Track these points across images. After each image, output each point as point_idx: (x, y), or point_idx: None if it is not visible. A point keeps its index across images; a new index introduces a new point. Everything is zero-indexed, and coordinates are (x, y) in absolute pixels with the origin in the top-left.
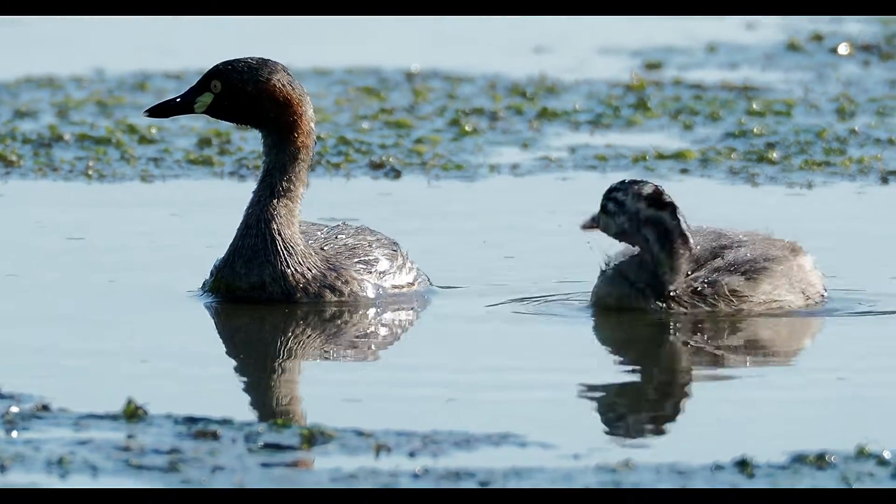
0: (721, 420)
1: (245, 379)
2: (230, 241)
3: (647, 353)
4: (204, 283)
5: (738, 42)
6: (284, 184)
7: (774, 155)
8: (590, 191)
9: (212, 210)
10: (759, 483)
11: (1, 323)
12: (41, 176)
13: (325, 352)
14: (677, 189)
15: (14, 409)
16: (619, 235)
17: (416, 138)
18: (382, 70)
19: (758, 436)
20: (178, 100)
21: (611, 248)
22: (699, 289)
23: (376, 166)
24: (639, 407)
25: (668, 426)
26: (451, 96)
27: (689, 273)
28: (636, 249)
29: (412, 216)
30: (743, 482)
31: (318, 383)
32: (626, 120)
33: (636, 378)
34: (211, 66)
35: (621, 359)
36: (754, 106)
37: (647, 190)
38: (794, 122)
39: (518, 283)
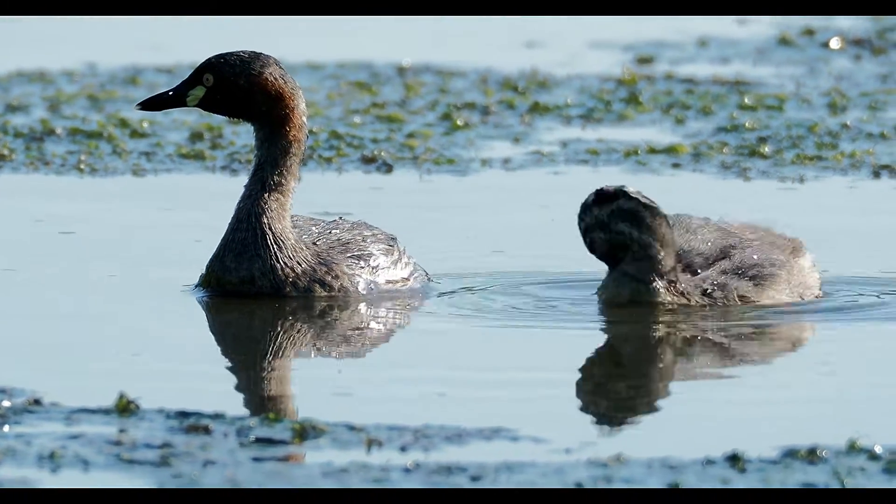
0: (712, 415)
1: (237, 373)
2: (222, 235)
3: (639, 348)
4: (199, 278)
5: (730, 36)
6: (276, 178)
7: (766, 149)
8: (581, 185)
9: (204, 204)
10: (751, 478)
11: None
12: (33, 170)
13: (317, 346)
14: (669, 184)
15: (6, 404)
16: (612, 251)
17: (407, 133)
18: (374, 64)
19: (749, 430)
20: (170, 93)
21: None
22: (709, 290)
23: (368, 160)
24: (630, 402)
25: (659, 421)
26: (443, 91)
27: (698, 271)
28: None
29: (404, 210)
30: (734, 477)
31: (309, 378)
32: (618, 114)
33: (628, 373)
34: (203, 60)
35: (613, 354)
36: (746, 100)
37: (591, 198)
38: (786, 117)
39: (509, 277)
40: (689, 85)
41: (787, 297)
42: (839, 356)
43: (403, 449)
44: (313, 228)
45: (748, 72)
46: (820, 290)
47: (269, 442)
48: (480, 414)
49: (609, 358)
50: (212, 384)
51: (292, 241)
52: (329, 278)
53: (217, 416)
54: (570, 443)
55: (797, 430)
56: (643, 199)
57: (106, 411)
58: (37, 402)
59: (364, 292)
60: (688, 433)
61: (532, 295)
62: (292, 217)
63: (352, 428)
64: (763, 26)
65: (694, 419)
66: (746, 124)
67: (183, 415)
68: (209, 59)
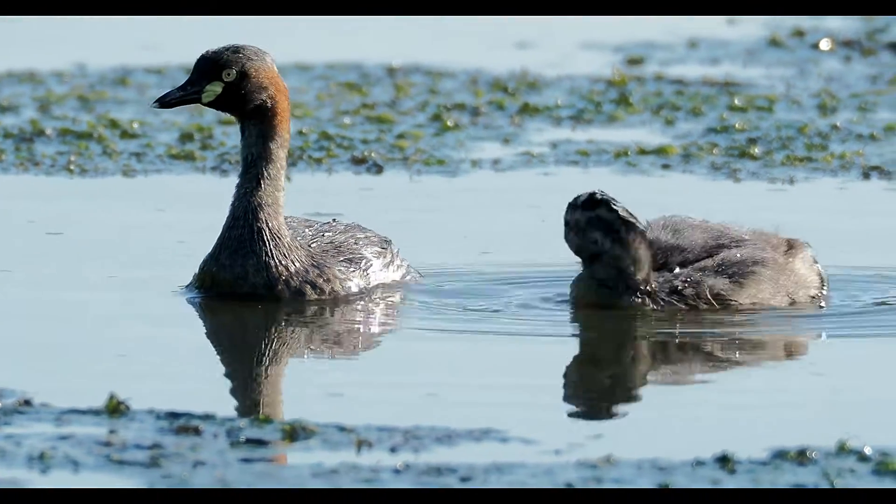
0: (702, 416)
1: (228, 374)
2: (214, 236)
3: (629, 349)
4: (193, 278)
5: (720, 37)
6: (271, 171)
7: (756, 150)
8: (571, 186)
9: (194, 205)
10: (740, 479)
11: None
12: (23, 170)
13: (308, 348)
14: (659, 185)
15: None
16: (582, 251)
17: (397, 133)
18: (364, 65)
19: (739, 432)
20: (180, 91)
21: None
22: (679, 287)
23: (358, 161)
24: (619, 404)
25: (649, 423)
26: (433, 91)
27: (673, 269)
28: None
29: (394, 211)
30: (724, 477)
31: (300, 379)
32: (608, 115)
33: (617, 374)
34: (211, 55)
35: (603, 355)
36: (736, 101)
37: (582, 198)
38: (776, 118)
39: (500, 279)
40: (679, 86)
41: (773, 297)
42: (829, 358)
43: (393, 450)
44: (306, 230)
45: (738, 73)
46: (822, 289)
47: (258, 443)
48: (470, 415)
49: (598, 360)
50: (202, 385)
51: (287, 239)
52: (321, 281)
53: (207, 417)
54: (559, 444)
55: (787, 432)
56: (623, 214)
57: (96, 412)
58: (27, 402)
59: (355, 295)
60: (677, 435)
61: (523, 297)
62: (286, 218)
63: (342, 429)
64: (753, 27)
65: (683, 421)
66: (736, 125)
67: (173, 416)
68: (224, 55)
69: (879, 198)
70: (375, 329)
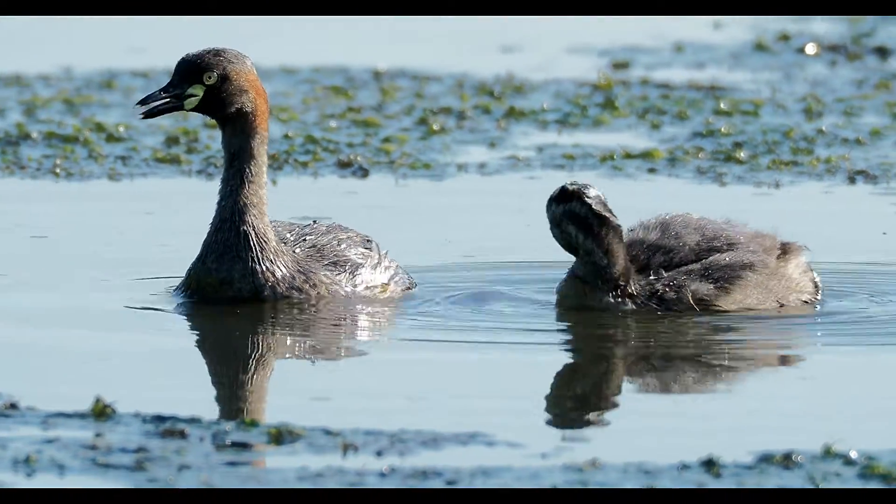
0: (688, 421)
1: (214, 378)
2: (200, 240)
3: (615, 352)
4: (181, 282)
5: (706, 42)
6: (255, 169)
7: (742, 154)
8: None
9: (180, 208)
10: (726, 483)
11: None
12: (8, 174)
13: (294, 352)
14: (645, 189)
15: None
16: (566, 248)
17: (383, 137)
18: (350, 69)
19: (724, 436)
20: (162, 93)
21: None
22: (660, 291)
23: (344, 165)
24: (606, 408)
25: (635, 427)
26: (419, 95)
27: (656, 270)
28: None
29: (380, 215)
30: (709, 481)
31: (286, 383)
32: (594, 119)
33: (603, 379)
34: (192, 58)
35: (590, 360)
36: (722, 105)
37: (555, 192)
38: (762, 122)
39: (486, 282)
40: (665, 90)
41: (761, 302)
42: (815, 362)
43: (379, 453)
44: (288, 235)
45: (724, 77)
46: (816, 295)
47: (244, 446)
48: (456, 419)
49: (585, 365)
50: (188, 389)
51: (273, 243)
52: (307, 287)
53: (193, 421)
54: (545, 448)
55: (772, 436)
56: (595, 208)
57: (82, 415)
58: (13, 405)
59: (341, 300)
60: (663, 439)
61: (509, 300)
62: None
63: (328, 432)
64: (739, 31)
65: (669, 426)
66: (722, 129)
67: (159, 419)
68: (204, 58)
69: (865, 202)
70: (361, 333)
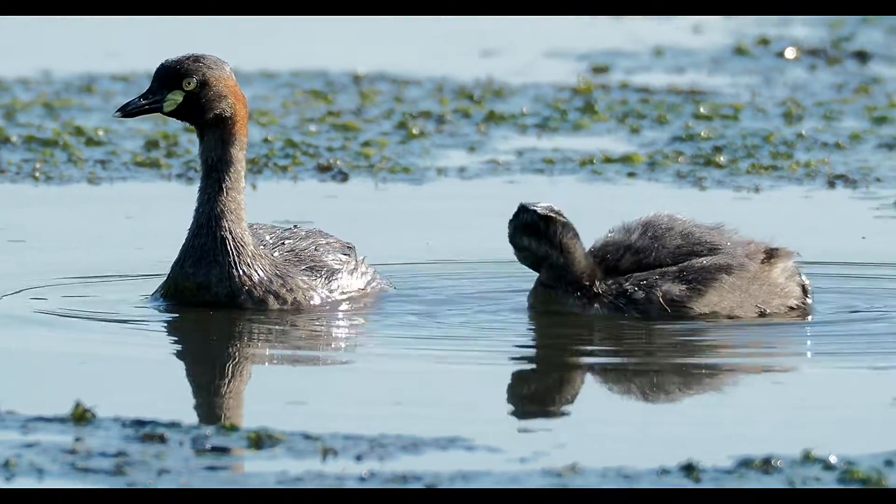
0: (667, 426)
1: (193, 383)
2: (180, 244)
3: (595, 358)
4: (159, 287)
5: (685, 46)
6: (233, 175)
7: (721, 159)
8: (537, 194)
9: (159, 213)
10: (705, 487)
11: None
12: None
13: (274, 356)
14: (625, 193)
15: None
16: (531, 264)
17: (363, 141)
18: (329, 73)
19: (704, 440)
20: (142, 101)
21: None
22: (629, 291)
23: (323, 169)
24: (585, 412)
25: (614, 431)
26: (398, 99)
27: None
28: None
29: (359, 219)
30: (689, 486)
31: (265, 387)
32: (573, 123)
33: (584, 382)
34: (168, 65)
35: (569, 365)
36: (701, 110)
37: (510, 219)
38: (741, 126)
39: (466, 287)
40: (645, 94)
41: (739, 306)
42: (795, 367)
43: (359, 458)
44: (267, 237)
45: (703, 81)
46: (804, 301)
47: (224, 451)
48: (436, 424)
49: (564, 370)
50: (168, 393)
51: (251, 247)
52: (284, 291)
53: (173, 425)
54: (524, 453)
55: (752, 441)
56: (541, 211)
57: (62, 420)
58: None
59: (319, 304)
60: (643, 444)
61: (489, 305)
62: (249, 225)
63: (307, 437)
64: (718, 35)
65: (648, 430)
66: (702, 134)
67: (139, 423)
68: (184, 64)
69: (845, 206)
70: (340, 338)
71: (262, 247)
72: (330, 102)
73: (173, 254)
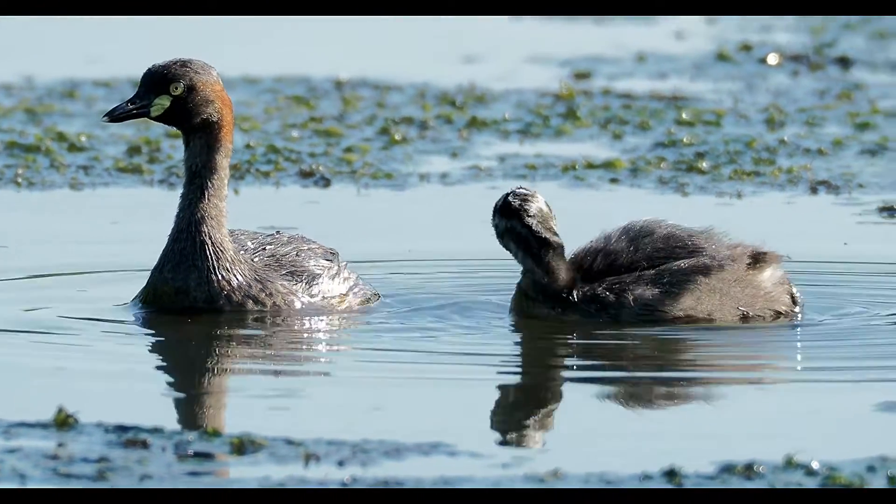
0: (649, 431)
1: (176, 389)
2: (161, 249)
3: (577, 364)
4: (140, 292)
5: (667, 52)
6: (215, 181)
7: (704, 165)
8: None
9: (142, 218)
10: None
11: None
12: None
13: (255, 362)
14: (607, 199)
15: None
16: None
17: (345, 147)
18: (311, 78)
19: (686, 446)
20: (130, 105)
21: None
22: (600, 294)
23: (306, 175)
24: (567, 417)
25: (597, 436)
26: (381, 105)
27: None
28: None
29: (341, 225)
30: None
31: (247, 392)
32: (556, 129)
33: (566, 388)
34: (154, 70)
35: (551, 370)
36: (684, 116)
37: (499, 202)
38: (724, 132)
39: (446, 292)
40: (627, 100)
41: (718, 309)
42: (778, 374)
43: (341, 463)
44: (249, 243)
45: (686, 87)
46: (793, 307)
47: (206, 456)
48: (418, 429)
49: (546, 374)
50: (150, 399)
51: (230, 252)
52: (263, 296)
53: (155, 431)
54: (507, 458)
55: (735, 447)
56: (535, 229)
57: (44, 425)
58: None
59: (299, 310)
60: (625, 449)
61: (470, 311)
62: (231, 231)
63: (290, 442)
64: (700, 41)
65: (631, 435)
66: (684, 140)
67: (121, 429)
68: (171, 69)
69: (827, 212)
70: (323, 343)
71: (242, 252)
72: (312, 108)
73: (154, 260)
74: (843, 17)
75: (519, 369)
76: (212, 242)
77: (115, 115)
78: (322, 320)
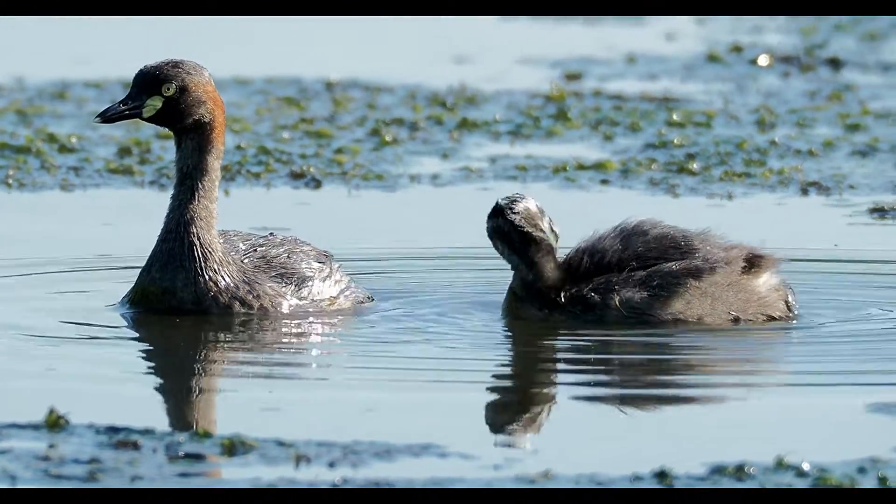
0: (640, 433)
1: (167, 390)
2: (150, 251)
3: (568, 365)
4: (128, 293)
5: (658, 53)
6: (206, 183)
7: (695, 166)
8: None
9: (132, 220)
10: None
11: None
12: None
13: (246, 363)
14: (598, 200)
15: None
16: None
17: (336, 148)
18: (302, 80)
19: (677, 447)
20: (122, 106)
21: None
22: (586, 295)
23: (297, 176)
24: (558, 418)
25: (587, 437)
26: (371, 106)
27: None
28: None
29: (332, 226)
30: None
31: (238, 394)
32: (546, 130)
33: (557, 390)
34: (146, 71)
35: (542, 371)
36: (674, 117)
37: (493, 206)
38: (714, 134)
39: (437, 294)
40: (618, 101)
41: (709, 313)
42: (768, 375)
43: (332, 465)
44: (241, 245)
45: (676, 88)
46: (788, 312)
47: (197, 457)
48: (409, 430)
49: (537, 376)
50: (142, 400)
51: (219, 254)
52: (250, 298)
53: (146, 432)
54: (498, 459)
55: (726, 448)
56: (518, 223)
57: (35, 426)
58: None
59: (287, 312)
60: (616, 450)
61: (462, 311)
62: (224, 232)
63: (281, 443)
64: (691, 43)
65: (622, 437)
66: (675, 141)
67: (112, 430)
68: (163, 70)
69: (817, 213)
70: (313, 344)
71: (233, 254)
72: (303, 109)
73: (143, 261)
74: (834, 18)
75: (510, 371)
76: (200, 244)
77: (108, 116)
78: (313, 322)
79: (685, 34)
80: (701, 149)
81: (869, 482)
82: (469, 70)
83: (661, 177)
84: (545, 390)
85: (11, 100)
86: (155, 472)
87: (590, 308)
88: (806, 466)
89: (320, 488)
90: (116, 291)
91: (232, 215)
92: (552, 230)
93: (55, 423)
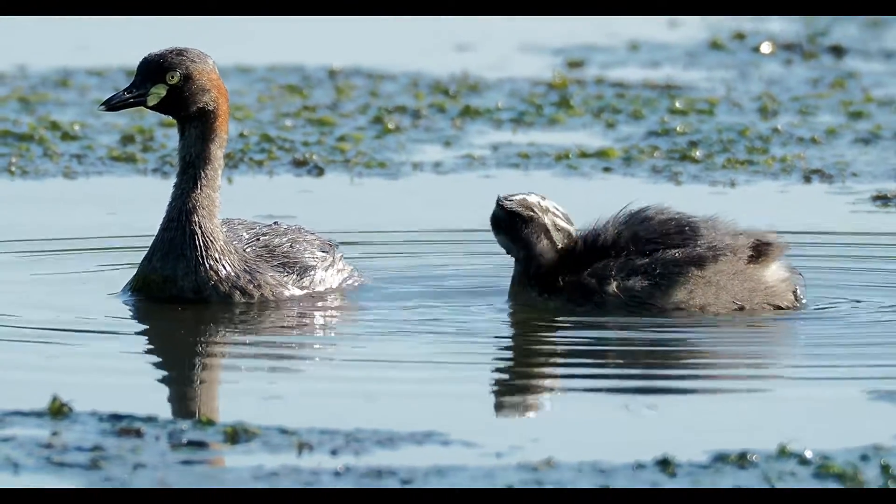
0: (642, 421)
1: (170, 377)
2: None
3: (570, 353)
4: (130, 281)
5: (661, 40)
6: (209, 171)
7: (697, 153)
8: (512, 189)
9: (135, 207)
10: (681, 482)
11: None
12: None
13: (248, 351)
14: (600, 188)
15: None
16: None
17: (338, 136)
18: (305, 68)
19: (679, 435)
20: (126, 94)
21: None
22: (584, 281)
23: (299, 164)
24: (561, 406)
25: (589, 425)
26: (374, 94)
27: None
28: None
29: (335, 214)
30: (664, 480)
31: (241, 382)
32: (549, 118)
33: (558, 377)
34: (150, 58)
35: (545, 357)
36: (677, 104)
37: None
38: (717, 121)
39: (439, 281)
40: (620, 89)
41: (713, 302)
42: (771, 363)
43: (334, 452)
44: (244, 233)
45: (679, 76)
46: (794, 301)
47: (200, 445)
48: (411, 418)
49: (539, 363)
50: (145, 388)
51: (221, 243)
52: (251, 287)
53: (149, 420)
54: (500, 447)
55: (728, 436)
56: (508, 206)
57: (39, 414)
58: None
59: (289, 301)
60: (618, 439)
61: (464, 298)
62: (228, 220)
63: (283, 431)
64: (694, 30)
65: (624, 424)
66: (677, 128)
67: (115, 417)
68: (167, 58)
69: (820, 201)
70: (316, 332)
71: (235, 242)
72: (305, 97)
73: (145, 249)
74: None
75: (512, 358)
76: (202, 232)
77: (112, 104)
78: (316, 310)
79: (688, 22)
80: (703, 136)
81: (871, 470)
82: (471, 58)
83: (663, 164)
84: (548, 378)
85: (14, 87)
86: (158, 460)
87: (588, 294)
88: (808, 454)
89: (324, 479)
90: (118, 279)
91: (235, 203)
92: (568, 220)
93: (58, 411)
